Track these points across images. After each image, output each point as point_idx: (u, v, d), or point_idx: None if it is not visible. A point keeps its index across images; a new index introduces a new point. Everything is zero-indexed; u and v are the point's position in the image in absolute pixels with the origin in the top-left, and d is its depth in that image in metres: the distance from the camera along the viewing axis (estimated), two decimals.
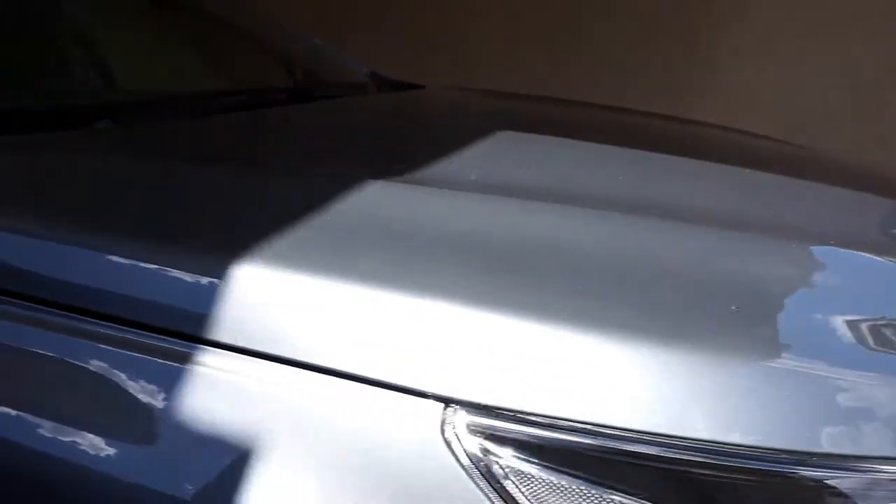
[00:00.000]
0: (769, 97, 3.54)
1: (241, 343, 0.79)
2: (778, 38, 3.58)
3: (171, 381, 0.80)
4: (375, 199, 1.03)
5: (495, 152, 1.44)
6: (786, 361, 0.78)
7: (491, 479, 0.72)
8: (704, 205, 1.20)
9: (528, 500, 0.72)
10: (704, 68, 3.65)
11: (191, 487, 0.78)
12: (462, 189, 1.11)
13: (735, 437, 0.71)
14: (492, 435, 0.73)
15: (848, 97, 3.46)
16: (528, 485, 0.72)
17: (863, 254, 1.08)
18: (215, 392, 0.80)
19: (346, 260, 0.85)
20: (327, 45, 2.35)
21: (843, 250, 1.05)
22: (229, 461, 0.77)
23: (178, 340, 0.82)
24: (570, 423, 0.72)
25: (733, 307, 0.82)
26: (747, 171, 1.48)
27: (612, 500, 0.71)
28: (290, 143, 1.44)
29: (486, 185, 1.14)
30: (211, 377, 0.80)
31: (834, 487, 0.71)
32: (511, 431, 0.73)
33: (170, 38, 2.35)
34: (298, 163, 1.27)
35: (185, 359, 0.81)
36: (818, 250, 1.06)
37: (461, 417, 0.74)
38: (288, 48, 2.30)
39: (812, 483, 0.71)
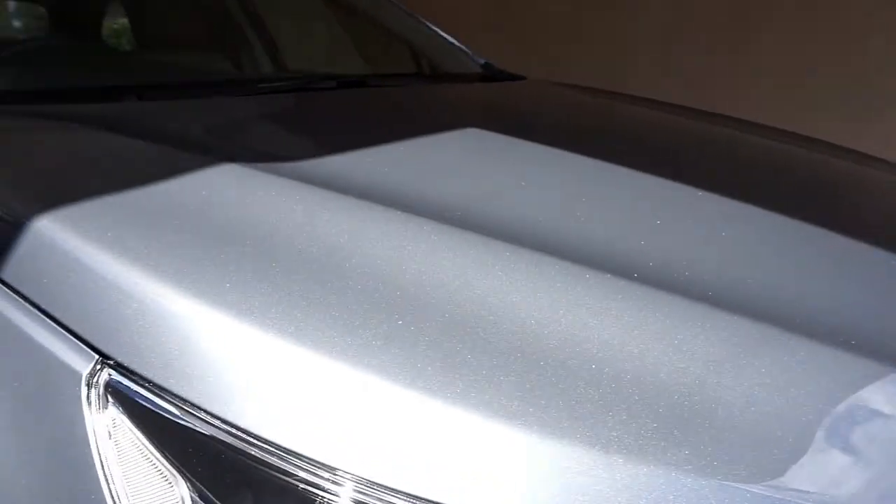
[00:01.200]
0: None
1: None
2: None
3: None
4: (206, 180, 1.03)
5: (472, 155, 1.31)
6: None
7: (100, 440, 0.74)
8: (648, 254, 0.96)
9: (120, 473, 0.73)
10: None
11: None
12: (336, 188, 1.02)
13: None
14: (121, 399, 0.75)
15: None
16: (128, 458, 0.73)
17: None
18: None
19: (88, 219, 0.89)
20: (440, 35, 2.30)
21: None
22: None
23: None
24: (200, 412, 0.71)
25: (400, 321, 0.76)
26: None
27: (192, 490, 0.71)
28: (264, 127, 1.43)
29: (372, 189, 1.04)
30: None
31: None
32: (138, 401, 0.74)
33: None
34: (221, 143, 1.25)
35: None
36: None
37: (105, 374, 0.76)
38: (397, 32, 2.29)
39: None
